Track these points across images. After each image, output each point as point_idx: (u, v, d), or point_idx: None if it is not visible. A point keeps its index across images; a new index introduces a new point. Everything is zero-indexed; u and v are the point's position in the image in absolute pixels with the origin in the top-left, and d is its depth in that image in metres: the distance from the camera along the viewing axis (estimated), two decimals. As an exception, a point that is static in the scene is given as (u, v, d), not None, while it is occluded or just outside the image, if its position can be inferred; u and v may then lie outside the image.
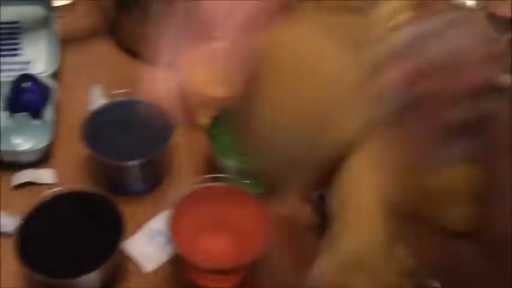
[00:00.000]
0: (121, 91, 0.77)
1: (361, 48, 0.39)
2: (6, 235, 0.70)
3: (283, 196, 0.44)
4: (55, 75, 0.85)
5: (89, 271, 0.60)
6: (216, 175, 0.70)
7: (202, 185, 0.69)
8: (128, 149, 0.72)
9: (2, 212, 0.72)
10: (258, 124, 0.41)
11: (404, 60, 0.37)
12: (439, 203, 0.39)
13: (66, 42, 0.90)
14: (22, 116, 0.78)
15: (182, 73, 0.79)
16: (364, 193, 0.38)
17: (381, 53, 0.38)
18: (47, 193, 0.67)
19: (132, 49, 0.91)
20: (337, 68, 0.39)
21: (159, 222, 0.73)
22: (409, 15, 0.40)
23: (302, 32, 0.41)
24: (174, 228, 0.65)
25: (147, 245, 0.71)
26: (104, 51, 0.93)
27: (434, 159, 0.37)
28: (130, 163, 0.71)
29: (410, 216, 0.39)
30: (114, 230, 0.64)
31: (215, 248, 0.68)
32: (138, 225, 0.73)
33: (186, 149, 0.81)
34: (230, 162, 0.72)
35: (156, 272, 0.70)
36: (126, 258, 0.70)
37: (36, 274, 0.60)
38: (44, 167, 0.78)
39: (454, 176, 0.38)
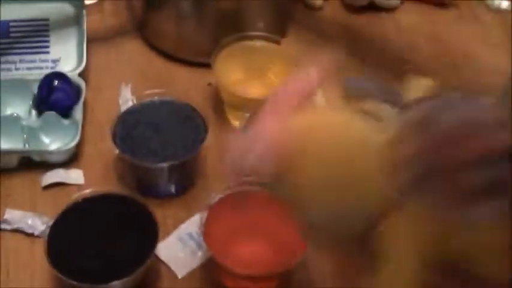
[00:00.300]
0: (152, 91, 0.75)
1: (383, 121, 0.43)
2: (37, 237, 0.69)
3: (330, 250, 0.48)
4: (83, 74, 0.83)
5: (122, 276, 0.59)
6: (250, 178, 0.68)
7: (238, 189, 0.67)
8: (158, 150, 0.70)
9: (31, 214, 0.71)
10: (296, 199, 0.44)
11: (420, 131, 0.40)
12: (476, 257, 0.40)
13: (94, 41, 0.88)
14: (51, 115, 0.76)
15: (217, 74, 0.78)
16: (403, 246, 0.41)
17: (401, 125, 0.41)
18: (78, 195, 0.65)
19: (161, 47, 0.90)
20: (364, 140, 0.42)
21: (190, 226, 0.71)
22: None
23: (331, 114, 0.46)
24: (207, 232, 0.63)
25: (178, 249, 0.69)
26: (132, 49, 0.91)
27: (464, 219, 0.39)
28: (161, 165, 0.69)
29: (449, 269, 0.41)
30: (147, 234, 0.62)
31: (249, 254, 0.66)
32: (169, 229, 0.71)
33: (219, 149, 0.79)
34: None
35: (187, 277, 0.68)
36: (158, 263, 0.68)
37: (66, 278, 0.58)
38: (73, 167, 0.76)
39: (489, 232, 0.39)
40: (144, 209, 0.64)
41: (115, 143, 0.70)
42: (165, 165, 0.68)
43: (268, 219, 0.66)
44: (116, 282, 0.59)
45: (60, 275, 0.58)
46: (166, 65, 0.89)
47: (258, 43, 0.81)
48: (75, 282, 0.58)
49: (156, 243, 0.62)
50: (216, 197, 0.66)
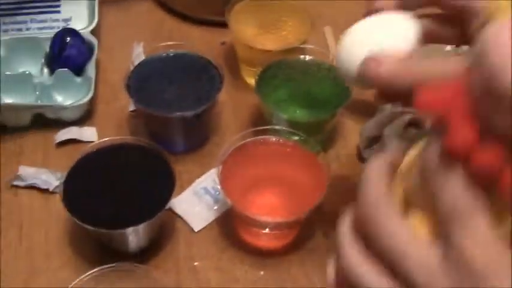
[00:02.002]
0: (165, 43, 0.74)
1: None
2: (51, 193, 0.68)
3: None
4: (95, 34, 0.82)
5: (138, 223, 0.57)
6: (265, 127, 0.66)
7: (252, 139, 0.66)
8: (173, 102, 0.68)
9: (45, 170, 0.70)
10: None
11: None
12: None
13: (106, 0, 0.87)
14: (63, 72, 0.75)
15: (232, 28, 0.76)
16: None
17: None
18: (93, 145, 0.64)
19: (174, 6, 0.88)
20: None
21: (206, 181, 0.70)
22: None
23: None
24: (225, 184, 0.62)
25: (194, 204, 0.68)
26: (144, 9, 0.90)
27: None
28: (176, 115, 0.67)
29: None
30: (163, 182, 0.61)
31: (268, 203, 0.65)
32: (184, 185, 0.69)
33: (233, 106, 0.78)
34: (281, 117, 0.69)
35: (204, 231, 0.66)
36: (174, 217, 0.67)
37: (85, 224, 0.57)
38: (87, 125, 0.75)
39: None
40: (160, 157, 0.63)
41: (129, 94, 0.68)
42: (179, 115, 0.67)
43: (284, 168, 0.65)
44: (130, 229, 0.57)
45: (77, 221, 0.57)
46: (178, 24, 0.88)
47: (272, -3, 0.80)
48: (92, 228, 0.57)
49: (173, 190, 0.60)
50: (230, 148, 0.64)
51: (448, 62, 0.41)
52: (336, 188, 0.63)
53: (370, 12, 0.49)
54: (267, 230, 0.62)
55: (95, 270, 0.55)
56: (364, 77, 0.46)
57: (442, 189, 0.30)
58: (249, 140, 0.65)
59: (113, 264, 0.55)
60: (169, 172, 0.62)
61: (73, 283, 0.55)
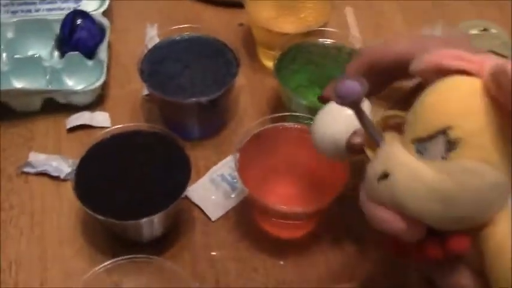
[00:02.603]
0: (180, 26, 0.71)
1: None
2: (62, 180, 0.66)
3: None
4: (106, 15, 0.79)
5: (153, 213, 0.55)
6: (284, 114, 0.64)
7: (271, 125, 0.63)
8: (188, 87, 0.66)
9: (57, 156, 0.67)
10: None
11: None
12: None
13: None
14: (74, 55, 0.72)
15: (249, 10, 0.74)
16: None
17: None
18: (106, 131, 0.62)
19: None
20: None
21: (222, 168, 0.67)
22: None
23: None
24: (242, 172, 0.59)
25: (211, 192, 0.66)
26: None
27: None
28: (190, 101, 0.64)
29: None
30: (178, 170, 0.58)
31: (287, 192, 0.62)
32: (201, 172, 0.67)
33: (251, 90, 0.75)
34: (300, 103, 0.66)
35: (221, 220, 0.64)
36: (190, 206, 0.65)
37: (97, 215, 0.55)
38: (99, 110, 0.73)
39: None
40: (175, 144, 0.60)
41: (142, 79, 0.66)
42: (194, 101, 0.64)
43: (304, 156, 0.62)
44: (145, 220, 0.55)
45: (89, 211, 0.55)
46: (194, 5, 0.85)
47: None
48: (104, 218, 0.54)
49: (189, 179, 0.58)
50: (248, 135, 0.62)
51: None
52: (356, 173, 0.60)
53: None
54: (286, 220, 0.60)
55: (109, 262, 0.53)
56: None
57: None
58: (267, 126, 0.63)
59: (128, 256, 0.53)
60: (185, 159, 0.59)
61: (87, 275, 0.53)
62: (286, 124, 0.63)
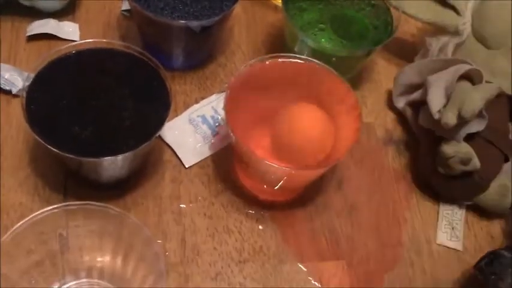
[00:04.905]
0: None
1: None
2: (15, 96, 0.56)
3: None
4: None
5: (118, 152, 0.45)
6: (285, 55, 0.54)
7: (270, 61, 0.53)
8: (177, 8, 0.55)
9: (10, 67, 0.57)
10: None
11: None
12: None
13: None
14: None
15: None
16: None
17: None
18: (70, 46, 0.51)
19: None
20: None
21: (204, 108, 0.58)
22: None
23: None
24: (230, 115, 0.49)
25: (188, 133, 0.57)
26: None
27: None
28: (179, 23, 0.54)
29: None
30: (154, 103, 0.48)
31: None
32: (179, 109, 0.58)
33: (248, 23, 0.66)
34: (305, 44, 0.56)
35: (196, 168, 0.55)
36: (162, 146, 0.55)
37: (48, 144, 0.45)
38: (68, 19, 0.62)
39: None
40: (154, 71, 0.50)
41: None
42: (180, 23, 0.53)
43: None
44: (108, 158, 0.45)
45: (38, 138, 0.45)
46: None
47: None
48: (56, 150, 0.44)
49: (167, 115, 0.48)
50: (240, 72, 0.52)
51: None
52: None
53: None
54: (272, 178, 0.51)
55: (55, 206, 0.43)
56: None
57: None
58: (265, 62, 0.53)
59: (80, 202, 0.43)
60: (164, 92, 0.49)
61: (30, 216, 0.43)
62: (287, 59, 0.53)
